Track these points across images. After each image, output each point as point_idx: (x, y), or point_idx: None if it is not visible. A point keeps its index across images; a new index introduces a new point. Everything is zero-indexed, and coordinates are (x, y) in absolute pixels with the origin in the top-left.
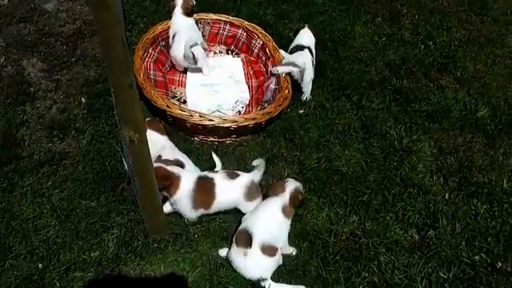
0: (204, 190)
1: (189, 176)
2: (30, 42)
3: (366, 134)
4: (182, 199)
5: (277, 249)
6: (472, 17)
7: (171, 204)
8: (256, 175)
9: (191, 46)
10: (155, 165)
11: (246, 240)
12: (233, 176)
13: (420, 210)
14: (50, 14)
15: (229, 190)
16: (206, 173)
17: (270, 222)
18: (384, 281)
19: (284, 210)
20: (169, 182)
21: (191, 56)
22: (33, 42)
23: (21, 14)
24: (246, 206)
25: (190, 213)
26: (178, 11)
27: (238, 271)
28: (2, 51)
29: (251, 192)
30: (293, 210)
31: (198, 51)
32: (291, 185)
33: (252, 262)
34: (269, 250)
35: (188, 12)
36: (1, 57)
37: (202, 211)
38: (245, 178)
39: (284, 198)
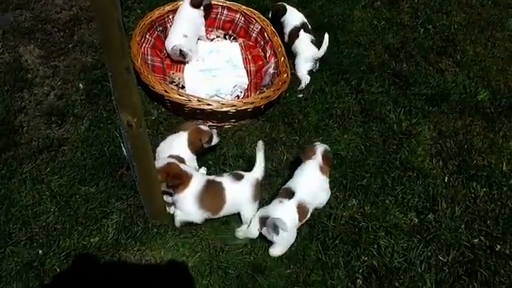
0: (213, 193)
1: (200, 178)
2: (27, 29)
3: (365, 118)
4: (188, 200)
5: (306, 216)
6: (472, 0)
7: (174, 202)
8: (258, 172)
9: (172, 48)
10: (168, 160)
11: (288, 194)
12: (238, 177)
13: (419, 194)
14: (47, 0)
15: (238, 193)
16: (213, 177)
17: (310, 182)
18: (383, 264)
19: (321, 169)
20: (180, 182)
21: (177, 54)
22: (29, 28)
23: (17, 1)
24: (250, 207)
25: (195, 215)
26: (186, 1)
27: (262, 214)
28: None
29: (257, 191)
30: (328, 169)
31: (176, 52)
32: (320, 147)
33: (283, 210)
34: (301, 212)
35: (195, 4)
36: None
37: (208, 215)
38: (250, 178)
39: (317, 159)
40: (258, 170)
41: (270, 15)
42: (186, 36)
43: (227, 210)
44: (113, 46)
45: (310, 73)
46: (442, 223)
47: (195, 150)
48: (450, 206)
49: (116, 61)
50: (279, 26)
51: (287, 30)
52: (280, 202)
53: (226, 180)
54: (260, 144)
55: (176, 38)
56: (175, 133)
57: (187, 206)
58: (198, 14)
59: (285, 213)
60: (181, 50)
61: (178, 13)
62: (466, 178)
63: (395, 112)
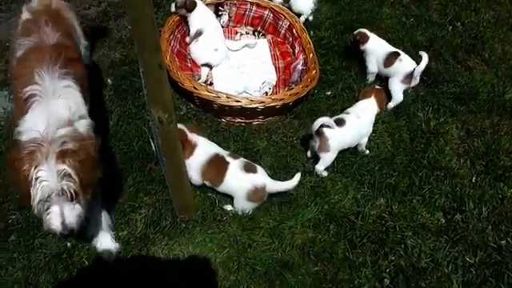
0: (215, 168)
1: (206, 148)
2: None
3: (393, 116)
4: (192, 166)
5: None
6: None
7: None
8: (274, 185)
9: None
10: (180, 127)
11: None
12: (249, 169)
13: (447, 194)
14: None
15: (237, 182)
16: (226, 153)
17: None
18: (411, 264)
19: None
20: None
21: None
22: None
23: None
24: (241, 203)
25: (196, 179)
26: (201, 5)
27: None
28: None
29: (256, 194)
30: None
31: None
32: (374, 89)
33: None
34: None
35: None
36: None
37: (207, 183)
38: (258, 178)
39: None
40: (278, 184)
41: None
42: (216, 50)
43: (225, 189)
44: (146, 43)
45: None
46: (469, 224)
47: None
48: (477, 206)
49: (149, 57)
50: None
51: None
52: None
53: (235, 164)
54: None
55: (207, 55)
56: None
57: (190, 171)
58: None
59: None
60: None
61: (201, 21)
62: (494, 178)
63: (423, 110)
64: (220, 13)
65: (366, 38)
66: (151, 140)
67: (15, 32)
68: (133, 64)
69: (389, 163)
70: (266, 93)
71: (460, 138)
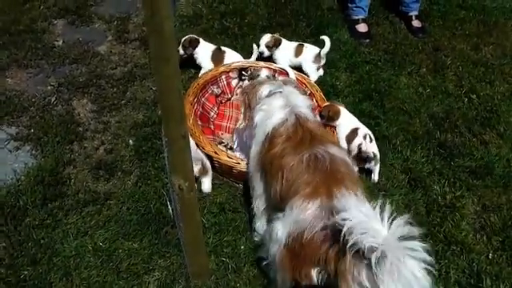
0: None
1: None
2: (81, 83)
3: (409, 189)
4: None
5: None
6: None
7: None
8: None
9: None
10: None
11: None
12: None
13: (463, 269)
14: (103, 56)
15: None
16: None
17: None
18: None
19: None
20: None
21: None
22: (84, 83)
23: (74, 56)
24: None
25: None
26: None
27: None
28: (54, 91)
29: None
30: None
31: None
32: (337, 105)
33: None
34: None
35: None
36: (52, 96)
37: None
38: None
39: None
40: None
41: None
42: None
43: None
44: (172, 114)
45: None
46: None
47: None
48: (494, 283)
49: (173, 127)
50: None
51: None
52: None
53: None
54: None
55: None
56: None
57: None
58: None
59: None
60: None
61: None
62: (511, 255)
63: (439, 183)
64: (243, 77)
65: (278, 41)
66: (168, 203)
67: None
68: (155, 126)
69: None
70: None
71: (476, 212)
